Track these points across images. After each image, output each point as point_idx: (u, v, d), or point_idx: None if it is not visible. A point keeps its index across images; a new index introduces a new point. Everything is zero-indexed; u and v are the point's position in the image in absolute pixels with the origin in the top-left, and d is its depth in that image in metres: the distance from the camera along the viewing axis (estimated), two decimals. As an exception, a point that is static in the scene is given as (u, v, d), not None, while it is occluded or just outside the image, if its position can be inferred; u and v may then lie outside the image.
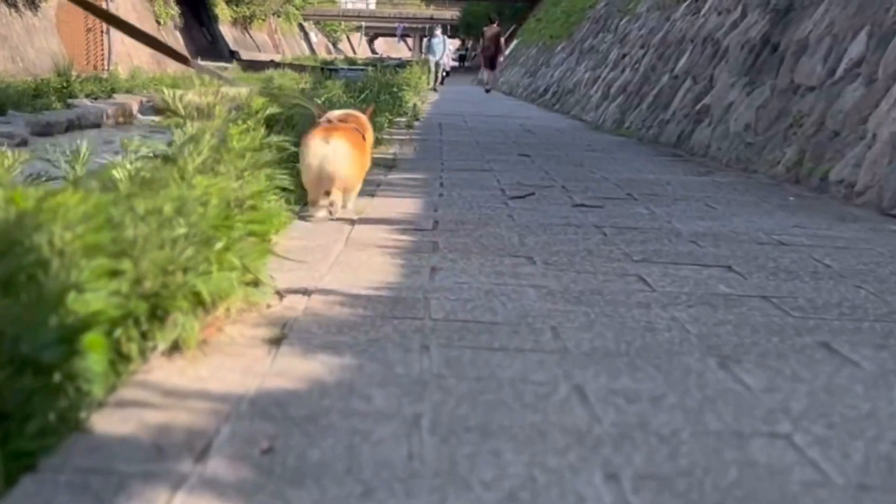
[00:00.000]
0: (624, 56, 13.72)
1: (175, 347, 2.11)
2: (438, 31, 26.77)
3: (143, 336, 2.03)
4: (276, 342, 2.24)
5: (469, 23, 48.10)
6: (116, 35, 26.93)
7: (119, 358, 1.97)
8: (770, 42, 7.87)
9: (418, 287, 2.84)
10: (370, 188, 4.94)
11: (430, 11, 64.24)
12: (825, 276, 3.20)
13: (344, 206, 4.06)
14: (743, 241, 3.84)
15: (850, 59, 6.24)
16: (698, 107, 8.82)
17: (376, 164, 5.13)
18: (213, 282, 2.25)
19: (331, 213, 3.97)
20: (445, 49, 26.93)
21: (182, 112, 2.57)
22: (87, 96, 17.28)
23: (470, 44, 49.12)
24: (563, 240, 3.75)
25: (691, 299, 2.79)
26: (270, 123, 7.43)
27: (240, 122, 2.64)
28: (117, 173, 2.32)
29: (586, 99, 14.82)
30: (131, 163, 2.67)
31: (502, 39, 25.06)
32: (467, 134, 10.17)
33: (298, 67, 27.45)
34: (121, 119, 16.31)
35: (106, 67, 25.21)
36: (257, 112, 2.68)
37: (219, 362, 2.08)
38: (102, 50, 26.87)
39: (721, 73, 8.67)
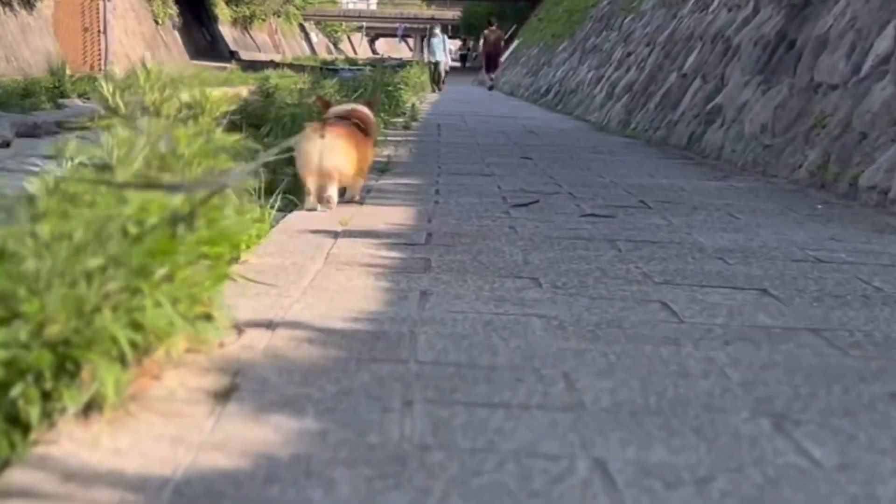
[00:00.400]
0: (629, 55, 13.29)
1: (95, 405, 1.68)
2: (438, 31, 26.24)
3: (48, 396, 1.61)
4: (223, 396, 1.81)
5: (470, 23, 47.80)
6: (113, 35, 26.61)
7: (13, 427, 1.55)
8: (786, 38, 7.43)
9: (404, 318, 2.41)
10: (358, 195, 4.51)
11: (431, 12, 63.84)
12: (878, 301, 2.77)
13: (354, 199, 4.32)
14: (775, 257, 3.41)
15: (877, 55, 5.80)
16: (709, 107, 8.38)
17: (367, 168, 4.70)
18: (148, 320, 1.82)
19: (329, 207, 4.06)
20: (445, 49, 26.44)
21: (123, 110, 2.16)
22: (79, 96, 16.91)
23: (471, 44, 48.78)
24: (572, 256, 3.32)
25: (727, 333, 2.36)
26: (258, 125, 7.03)
27: (192, 122, 2.23)
28: (32, 186, 1.89)
29: (590, 99, 14.39)
30: (72, 171, 2.25)
31: (502, 42, 24.72)
32: (467, 135, 9.73)
33: (298, 67, 27.08)
34: (113, 120, 15.86)
35: (103, 67, 24.93)
36: (217, 111, 2.25)
37: (146, 427, 1.65)
38: (99, 49, 26.60)
39: (733, 72, 8.23)
